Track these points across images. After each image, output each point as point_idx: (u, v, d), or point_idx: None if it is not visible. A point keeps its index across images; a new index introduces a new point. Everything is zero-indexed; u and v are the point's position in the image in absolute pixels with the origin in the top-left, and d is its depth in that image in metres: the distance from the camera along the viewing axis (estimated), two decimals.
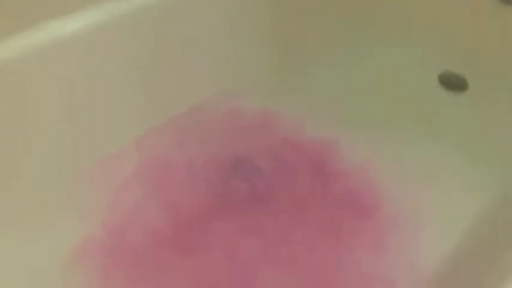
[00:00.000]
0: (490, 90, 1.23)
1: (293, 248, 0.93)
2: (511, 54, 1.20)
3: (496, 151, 1.11)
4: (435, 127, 1.16)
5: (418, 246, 0.93)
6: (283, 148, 1.10)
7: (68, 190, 0.96)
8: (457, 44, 1.27)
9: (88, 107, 0.97)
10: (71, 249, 0.87)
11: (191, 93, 1.14)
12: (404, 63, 1.31)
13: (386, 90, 1.25)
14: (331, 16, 1.31)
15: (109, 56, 0.96)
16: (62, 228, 0.90)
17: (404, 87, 1.26)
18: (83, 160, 0.99)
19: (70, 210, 0.93)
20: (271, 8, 1.20)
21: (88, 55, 0.93)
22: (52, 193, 0.95)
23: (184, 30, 1.07)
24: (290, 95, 1.21)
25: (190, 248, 0.90)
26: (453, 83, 1.26)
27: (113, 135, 1.04)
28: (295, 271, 0.89)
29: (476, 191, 1.03)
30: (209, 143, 1.09)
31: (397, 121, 1.17)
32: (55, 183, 0.96)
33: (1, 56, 0.84)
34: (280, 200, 1.00)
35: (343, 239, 0.94)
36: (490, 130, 1.15)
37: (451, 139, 1.13)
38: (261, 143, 1.11)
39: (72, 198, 0.95)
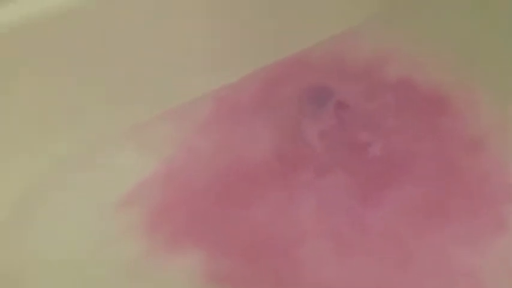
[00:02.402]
0: None
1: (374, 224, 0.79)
2: None
3: None
4: None
5: None
6: (394, 94, 0.95)
7: (140, 128, 0.94)
8: None
9: (171, 51, 0.94)
10: (129, 186, 0.86)
11: (291, 41, 1.05)
12: None
13: None
14: None
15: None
16: (125, 163, 0.89)
17: None
18: (162, 103, 0.97)
19: (138, 146, 0.91)
20: None
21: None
22: (124, 129, 0.93)
23: None
24: (405, 32, 1.05)
25: (251, 201, 0.84)
26: None
27: (197, 82, 0.99)
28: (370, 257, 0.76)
29: None
30: (304, 89, 0.99)
31: None
32: (131, 120, 0.94)
33: None
34: (379, 155, 0.88)
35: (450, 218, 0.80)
36: None
37: None
38: (367, 87, 0.97)
39: (141, 136, 0.93)
